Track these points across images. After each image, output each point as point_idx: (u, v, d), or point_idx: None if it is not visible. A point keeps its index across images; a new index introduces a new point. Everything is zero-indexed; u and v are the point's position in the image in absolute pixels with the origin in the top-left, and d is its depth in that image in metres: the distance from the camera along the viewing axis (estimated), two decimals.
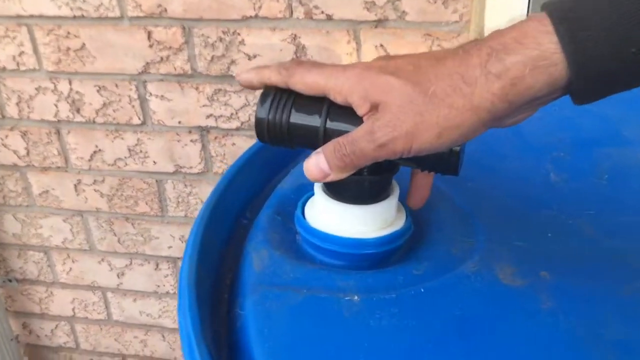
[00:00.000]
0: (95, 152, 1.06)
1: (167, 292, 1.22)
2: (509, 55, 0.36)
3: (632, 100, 0.62)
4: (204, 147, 1.01)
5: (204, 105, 0.97)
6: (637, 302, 0.44)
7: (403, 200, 0.50)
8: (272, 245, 0.50)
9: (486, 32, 0.83)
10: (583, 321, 0.42)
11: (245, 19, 0.88)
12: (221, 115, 0.97)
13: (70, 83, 1.00)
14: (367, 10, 0.84)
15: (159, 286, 1.22)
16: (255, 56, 0.91)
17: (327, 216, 0.49)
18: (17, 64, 0.99)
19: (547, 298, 0.44)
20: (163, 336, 1.29)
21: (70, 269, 1.24)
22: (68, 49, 0.96)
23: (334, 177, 0.42)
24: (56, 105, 1.02)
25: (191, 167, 1.04)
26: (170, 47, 0.93)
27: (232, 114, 0.96)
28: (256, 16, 0.87)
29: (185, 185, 1.07)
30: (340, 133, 0.42)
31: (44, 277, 1.27)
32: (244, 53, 0.91)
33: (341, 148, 0.40)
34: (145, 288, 1.23)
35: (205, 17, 0.89)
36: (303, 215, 0.51)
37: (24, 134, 1.07)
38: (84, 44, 0.95)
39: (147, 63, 0.95)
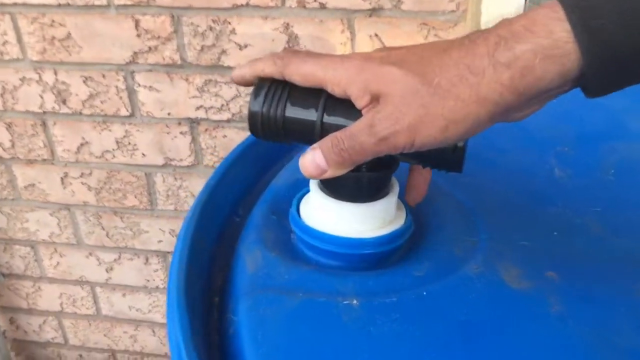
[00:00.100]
0: (82, 144, 1.03)
1: (157, 287, 1.20)
2: (519, 44, 0.34)
3: (639, 92, 0.60)
4: (194, 140, 0.99)
5: (193, 97, 0.94)
6: None
7: (402, 197, 0.48)
8: (266, 245, 0.48)
9: (483, 23, 0.81)
10: (594, 327, 0.40)
11: (236, 7, 0.85)
12: (212, 107, 0.95)
13: (55, 73, 0.97)
14: None
15: (148, 281, 1.20)
16: (246, 46, 0.88)
17: (324, 214, 0.46)
18: (1, 53, 0.96)
19: (555, 301, 0.42)
20: (153, 331, 1.28)
21: (58, 263, 1.22)
22: (53, 38, 0.93)
23: (331, 173, 0.40)
24: (41, 96, 1.00)
25: (181, 160, 1.02)
26: (158, 37, 0.90)
27: (222, 105, 0.94)
28: (247, 4, 0.85)
29: (175, 178, 1.04)
30: (338, 127, 0.39)
31: (31, 271, 1.24)
32: (235, 42, 0.88)
33: (339, 143, 0.38)
34: (135, 283, 1.21)
35: (194, 6, 0.87)
36: (298, 213, 0.49)
37: (8, 126, 1.04)
38: (69, 33, 0.92)
39: (135, 53, 0.92)
